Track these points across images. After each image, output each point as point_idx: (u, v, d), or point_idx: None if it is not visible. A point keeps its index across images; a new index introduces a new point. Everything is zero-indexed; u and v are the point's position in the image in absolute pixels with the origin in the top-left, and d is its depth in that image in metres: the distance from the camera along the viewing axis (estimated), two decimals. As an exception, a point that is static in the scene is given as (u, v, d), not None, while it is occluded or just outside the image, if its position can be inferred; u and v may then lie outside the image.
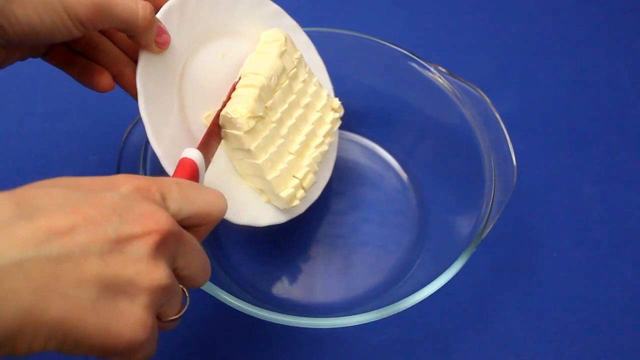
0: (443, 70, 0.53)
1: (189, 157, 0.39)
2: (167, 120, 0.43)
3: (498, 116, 0.50)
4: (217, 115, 0.45)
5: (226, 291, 0.42)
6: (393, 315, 0.42)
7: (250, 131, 0.44)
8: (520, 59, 0.68)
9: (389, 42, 0.54)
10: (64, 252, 0.25)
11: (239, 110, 0.43)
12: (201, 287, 0.42)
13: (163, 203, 0.31)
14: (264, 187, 0.48)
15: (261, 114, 0.45)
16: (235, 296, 0.42)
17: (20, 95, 0.62)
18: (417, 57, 0.54)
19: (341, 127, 0.60)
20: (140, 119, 0.41)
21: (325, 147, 0.51)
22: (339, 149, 0.57)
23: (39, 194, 0.27)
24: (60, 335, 0.25)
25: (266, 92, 0.45)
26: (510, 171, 0.49)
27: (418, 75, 0.54)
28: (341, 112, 0.53)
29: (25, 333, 0.25)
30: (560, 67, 0.68)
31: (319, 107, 0.51)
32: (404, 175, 0.58)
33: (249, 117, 0.43)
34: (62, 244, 0.25)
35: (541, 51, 0.69)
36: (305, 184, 0.49)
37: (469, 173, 0.51)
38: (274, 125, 0.46)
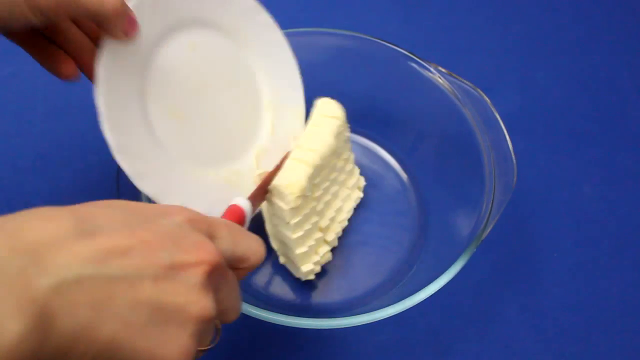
0: (443, 70, 0.53)
1: (239, 205, 0.40)
2: (125, 112, 0.41)
3: (498, 116, 0.50)
4: (269, 177, 0.46)
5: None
6: (393, 315, 0.42)
7: (297, 209, 0.46)
8: (520, 59, 0.68)
9: (389, 42, 0.54)
10: (120, 273, 0.26)
11: (291, 187, 0.45)
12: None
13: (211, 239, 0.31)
14: (287, 253, 0.50)
15: (309, 193, 0.46)
16: (236, 296, 0.42)
17: (20, 95, 0.62)
18: (417, 57, 0.54)
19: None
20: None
21: (345, 223, 0.53)
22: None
23: (99, 214, 0.27)
24: (108, 355, 0.25)
25: (317, 171, 0.47)
26: (510, 171, 0.49)
27: (418, 75, 0.54)
28: (361, 194, 0.56)
29: (76, 349, 0.25)
30: (560, 67, 0.68)
31: (350, 185, 0.53)
32: (404, 175, 0.58)
33: (297, 196, 0.45)
34: (119, 264, 0.26)
35: (541, 51, 0.69)
36: (323, 260, 0.51)
37: (469, 173, 0.51)
38: (314, 203, 0.48)
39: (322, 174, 0.49)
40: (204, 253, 0.29)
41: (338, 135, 0.49)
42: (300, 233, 0.47)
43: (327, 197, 0.51)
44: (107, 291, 0.25)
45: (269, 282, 0.52)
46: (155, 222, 0.29)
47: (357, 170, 0.55)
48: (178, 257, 0.28)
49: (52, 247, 0.25)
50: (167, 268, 0.27)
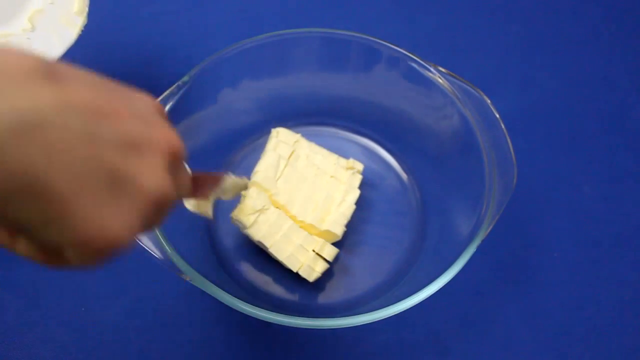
0: (443, 70, 0.53)
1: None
2: None
3: (498, 116, 0.50)
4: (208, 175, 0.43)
5: (226, 291, 0.42)
6: (393, 315, 0.42)
7: (253, 225, 0.49)
8: (520, 59, 0.68)
9: (389, 42, 0.54)
10: (86, 129, 0.24)
11: (238, 212, 0.49)
12: (201, 287, 0.42)
13: None
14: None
15: (260, 207, 0.50)
16: (236, 296, 0.42)
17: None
18: (417, 57, 0.54)
19: (341, 127, 0.59)
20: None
21: (349, 204, 0.53)
22: (339, 149, 0.57)
23: (72, 71, 0.25)
24: (57, 220, 0.23)
25: (268, 183, 0.51)
26: (510, 171, 0.48)
27: (418, 75, 0.54)
28: (359, 167, 0.55)
29: (21, 199, 0.23)
30: (560, 67, 0.68)
31: (331, 171, 0.54)
32: (404, 175, 0.58)
33: (248, 215, 0.49)
34: (87, 120, 0.24)
35: (541, 51, 0.69)
36: (325, 254, 0.51)
37: (469, 173, 0.51)
38: (279, 212, 0.50)
39: (279, 183, 0.51)
40: (173, 139, 0.28)
41: (277, 146, 0.53)
42: (271, 242, 0.49)
43: (300, 196, 0.51)
44: (68, 143, 0.23)
45: (269, 282, 0.52)
46: (131, 101, 0.27)
47: (333, 156, 0.55)
48: (148, 132, 0.27)
49: (17, 83, 0.22)
50: (135, 139, 0.26)
